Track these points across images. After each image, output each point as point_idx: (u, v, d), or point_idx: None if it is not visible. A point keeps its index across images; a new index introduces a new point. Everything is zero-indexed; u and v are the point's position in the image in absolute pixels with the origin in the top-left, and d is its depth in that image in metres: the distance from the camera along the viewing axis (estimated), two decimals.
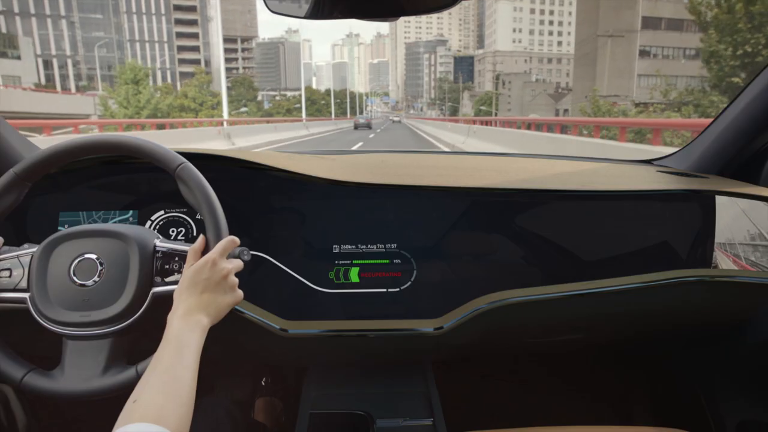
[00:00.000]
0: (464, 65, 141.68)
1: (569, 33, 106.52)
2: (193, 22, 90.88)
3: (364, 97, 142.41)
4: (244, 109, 60.55)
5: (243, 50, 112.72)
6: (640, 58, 42.36)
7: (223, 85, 25.92)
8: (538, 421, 0.98)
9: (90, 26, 77.88)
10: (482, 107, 70.94)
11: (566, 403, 1.49)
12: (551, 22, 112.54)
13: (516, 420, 0.98)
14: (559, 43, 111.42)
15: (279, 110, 67.97)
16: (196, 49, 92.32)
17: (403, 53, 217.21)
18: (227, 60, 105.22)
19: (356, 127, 41.14)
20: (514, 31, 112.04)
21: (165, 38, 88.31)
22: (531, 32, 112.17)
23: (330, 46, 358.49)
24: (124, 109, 35.61)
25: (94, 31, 78.34)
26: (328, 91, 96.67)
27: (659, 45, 42.90)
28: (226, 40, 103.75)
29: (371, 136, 26.59)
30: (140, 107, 35.70)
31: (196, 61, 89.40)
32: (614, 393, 1.52)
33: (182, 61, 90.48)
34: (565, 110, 59.50)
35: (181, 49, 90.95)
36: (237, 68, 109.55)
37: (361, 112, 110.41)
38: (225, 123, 21.63)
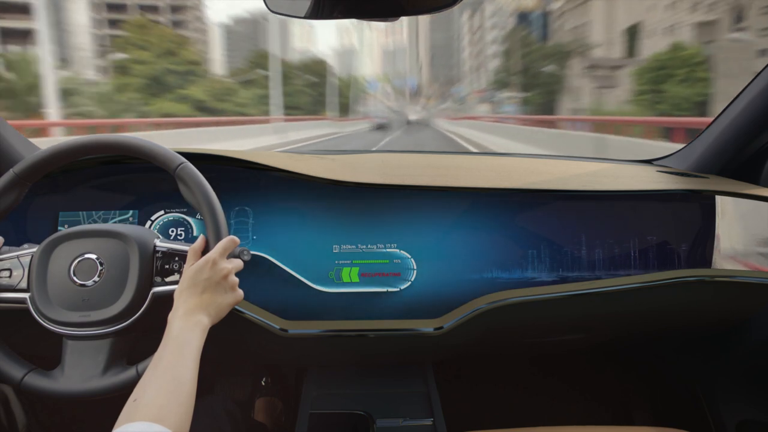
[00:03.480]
0: (533, 26, 59.17)
1: None
2: None
3: (366, 82, 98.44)
4: None
5: (173, 10, 59.18)
6: None
7: None
8: (538, 421, 0.98)
9: None
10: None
11: (566, 403, 1.49)
12: None
13: (516, 420, 0.98)
14: None
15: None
16: (24, 9, 33.90)
17: (428, 17, 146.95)
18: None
19: (377, 127, 38.44)
20: None
21: None
22: None
23: (336, 30, 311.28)
24: None
25: None
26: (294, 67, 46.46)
27: None
28: None
29: None
30: None
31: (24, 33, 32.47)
32: (614, 393, 1.52)
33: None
34: None
35: None
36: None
37: (347, 109, 62.60)
38: None
